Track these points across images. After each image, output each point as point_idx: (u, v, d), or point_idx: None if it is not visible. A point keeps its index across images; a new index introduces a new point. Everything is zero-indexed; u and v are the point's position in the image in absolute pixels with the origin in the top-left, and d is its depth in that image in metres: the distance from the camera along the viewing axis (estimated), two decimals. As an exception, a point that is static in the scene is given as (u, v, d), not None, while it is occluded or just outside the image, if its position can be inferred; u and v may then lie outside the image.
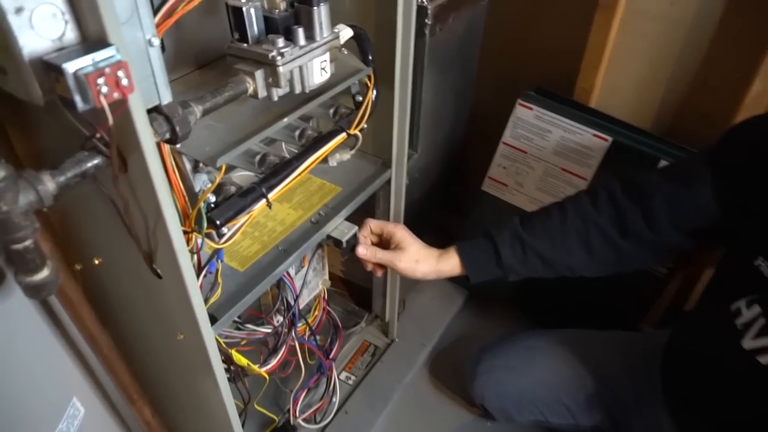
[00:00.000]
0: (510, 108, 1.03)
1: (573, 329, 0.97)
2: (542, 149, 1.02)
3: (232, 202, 0.55)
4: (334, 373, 0.96)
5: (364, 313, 1.14)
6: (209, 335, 0.56)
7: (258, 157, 0.61)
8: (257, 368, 0.70)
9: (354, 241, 0.74)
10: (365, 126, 0.72)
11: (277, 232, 0.72)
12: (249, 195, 0.57)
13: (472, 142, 1.17)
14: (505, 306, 1.22)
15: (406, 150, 0.83)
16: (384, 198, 0.88)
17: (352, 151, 0.74)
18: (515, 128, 1.03)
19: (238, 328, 0.77)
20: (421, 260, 0.74)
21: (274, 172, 0.60)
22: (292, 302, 0.76)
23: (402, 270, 0.74)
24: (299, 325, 0.82)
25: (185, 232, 0.54)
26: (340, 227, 0.75)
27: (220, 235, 0.57)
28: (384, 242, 0.77)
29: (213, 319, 0.59)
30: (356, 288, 1.17)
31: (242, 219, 0.57)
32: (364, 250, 0.74)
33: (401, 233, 0.75)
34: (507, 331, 1.02)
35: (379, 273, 0.79)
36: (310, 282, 0.85)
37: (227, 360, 0.66)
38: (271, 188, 0.58)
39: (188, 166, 0.53)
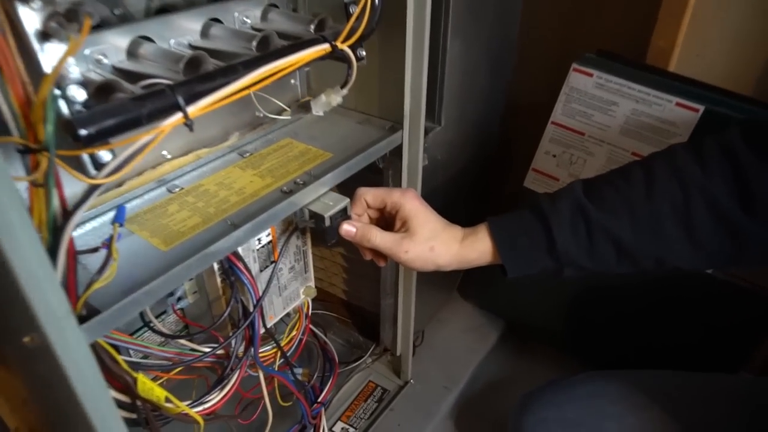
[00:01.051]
0: (561, 77, 0.80)
1: (653, 370, 0.70)
2: (606, 128, 0.78)
3: (117, 106, 0.32)
4: (323, 422, 0.70)
5: (370, 345, 0.89)
6: (69, 340, 0.32)
7: (184, 62, 0.38)
8: (185, 407, 0.45)
9: (343, 218, 0.51)
10: (363, 55, 0.50)
11: (230, 203, 0.49)
12: (149, 101, 0.34)
13: (512, 123, 0.93)
14: (553, 342, 0.95)
15: (424, 107, 0.60)
16: (393, 176, 0.65)
17: (344, 90, 0.51)
18: (569, 102, 0.80)
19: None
20: (438, 246, 0.50)
21: (205, 77, 0.37)
22: (251, 309, 0.52)
23: (409, 261, 0.50)
24: (266, 348, 0.57)
25: (26, 149, 0.31)
26: (324, 199, 0.51)
27: (98, 164, 0.33)
28: (387, 220, 0.54)
29: (90, 314, 0.36)
30: (362, 314, 0.92)
31: (141, 140, 0.33)
32: (350, 228, 0.50)
33: (411, 206, 0.51)
34: (559, 375, 0.75)
35: (382, 262, 0.54)
36: (285, 287, 0.60)
37: (128, 390, 0.41)
38: (193, 97, 0.35)
39: (30, 29, 0.30)
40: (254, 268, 0.54)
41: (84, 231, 0.45)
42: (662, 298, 0.80)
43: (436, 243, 0.50)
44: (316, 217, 0.50)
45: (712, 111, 0.70)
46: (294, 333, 0.62)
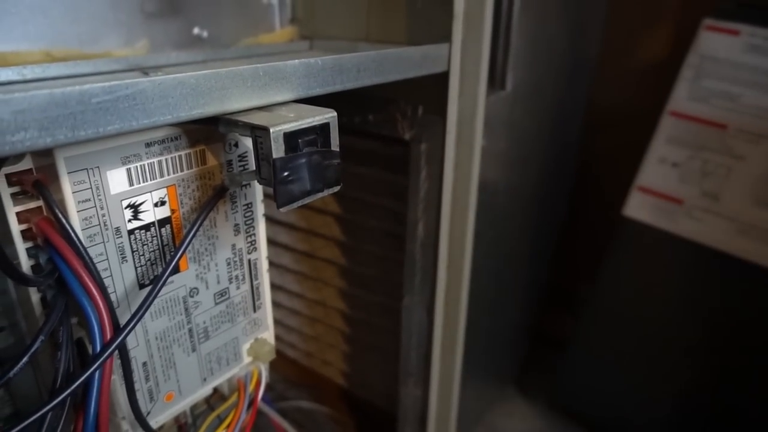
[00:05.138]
0: (683, 43, 0.53)
1: None
2: (766, 115, 0.49)
3: None
4: None
5: (381, 463, 0.56)
6: None
7: None
8: None
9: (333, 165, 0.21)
10: None
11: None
12: None
13: (603, 115, 0.64)
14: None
15: (491, 9, 0.33)
16: (428, 152, 0.36)
17: None
18: (698, 79, 0.52)
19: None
20: None
21: None
22: (93, 361, 0.21)
23: None
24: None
25: None
26: (279, 110, 0.22)
27: None
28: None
29: None
30: (371, 411, 0.60)
31: None
32: None
33: None
34: None
35: None
36: (206, 333, 0.30)
37: None
38: None
39: None
40: (121, 274, 0.24)
41: None
42: None
43: None
44: (257, 144, 0.21)
45: None
46: (220, 436, 0.30)
